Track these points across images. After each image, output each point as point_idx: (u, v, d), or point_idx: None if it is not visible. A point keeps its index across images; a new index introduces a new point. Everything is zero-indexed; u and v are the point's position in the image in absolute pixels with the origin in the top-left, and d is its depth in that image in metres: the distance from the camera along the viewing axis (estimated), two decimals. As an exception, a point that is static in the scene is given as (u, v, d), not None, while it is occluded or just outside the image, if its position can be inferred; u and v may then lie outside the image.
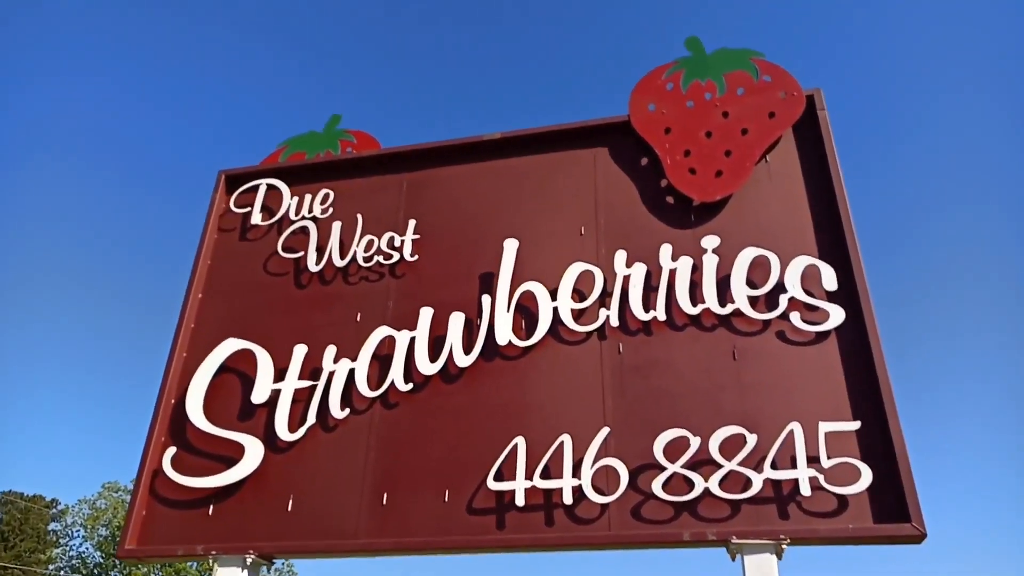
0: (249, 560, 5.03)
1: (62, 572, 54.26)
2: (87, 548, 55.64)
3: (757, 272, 5.32)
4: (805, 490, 4.53)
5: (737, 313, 5.23)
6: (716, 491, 4.64)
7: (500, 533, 4.85)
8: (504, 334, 5.50)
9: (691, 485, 4.70)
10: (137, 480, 5.56)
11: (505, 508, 4.90)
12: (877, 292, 5.12)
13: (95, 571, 53.91)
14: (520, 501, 4.85)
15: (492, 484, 4.95)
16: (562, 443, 4.98)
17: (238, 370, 5.88)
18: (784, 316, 5.15)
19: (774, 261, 5.32)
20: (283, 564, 50.79)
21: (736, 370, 5.11)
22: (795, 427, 4.71)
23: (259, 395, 5.63)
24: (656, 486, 4.72)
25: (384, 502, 5.12)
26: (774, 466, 4.66)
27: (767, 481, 4.63)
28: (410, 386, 5.49)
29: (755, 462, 4.70)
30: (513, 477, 4.94)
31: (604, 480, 4.84)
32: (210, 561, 5.03)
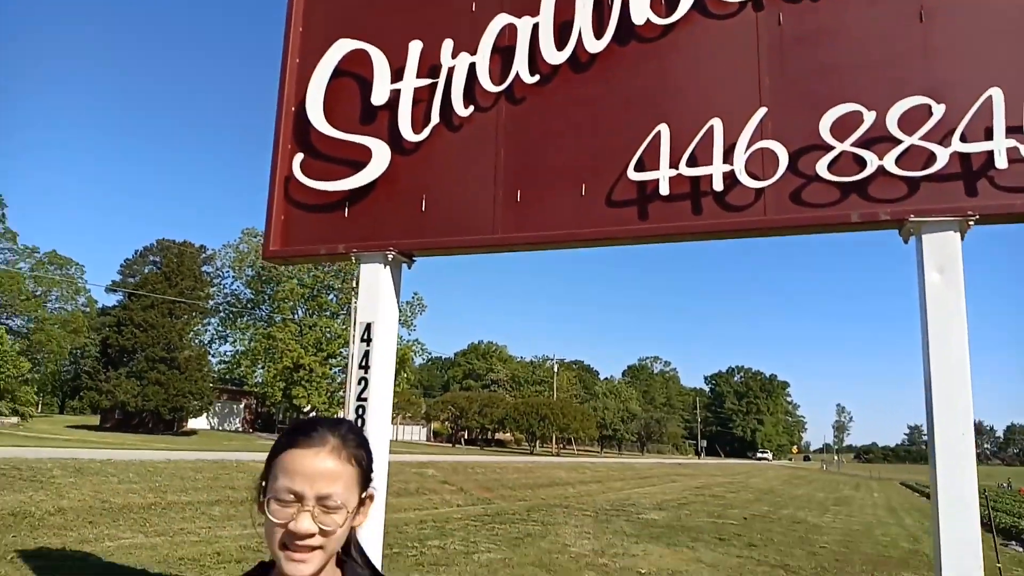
0: (390, 256, 5.05)
1: (221, 306, 60.86)
2: (238, 286, 61.83)
3: (959, -93, 4.30)
4: (1001, 163, 3.94)
5: (927, -37, 4.32)
6: (892, 169, 4.12)
7: (643, 223, 4.59)
8: (641, 12, 4.82)
9: (862, 164, 4.19)
10: (271, 187, 5.57)
11: (648, 198, 4.60)
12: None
13: (248, 305, 60.27)
14: (664, 190, 4.51)
15: (633, 175, 4.61)
16: (711, 128, 4.50)
17: (354, 72, 5.54)
18: (988, -38, 4.21)
19: None
20: (413, 297, 54.96)
21: (922, 33, 4.32)
22: (994, 93, 4.00)
23: (378, 96, 5.33)
24: (821, 167, 4.24)
25: (519, 198, 4.92)
26: (963, 139, 4.05)
27: (954, 155, 4.05)
28: (536, 78, 5.02)
29: (941, 135, 4.09)
30: (656, 166, 4.56)
31: (760, 164, 4.39)
32: (352, 259, 5.10)
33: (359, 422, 4.77)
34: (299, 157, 5.42)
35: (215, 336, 62.22)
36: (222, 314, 61.44)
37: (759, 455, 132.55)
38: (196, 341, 58.60)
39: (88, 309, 73.22)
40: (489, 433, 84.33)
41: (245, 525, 12.05)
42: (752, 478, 50.10)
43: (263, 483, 1.35)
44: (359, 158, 5.26)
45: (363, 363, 4.89)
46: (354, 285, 51.43)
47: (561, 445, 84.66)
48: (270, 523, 1.29)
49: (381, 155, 5.21)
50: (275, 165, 5.53)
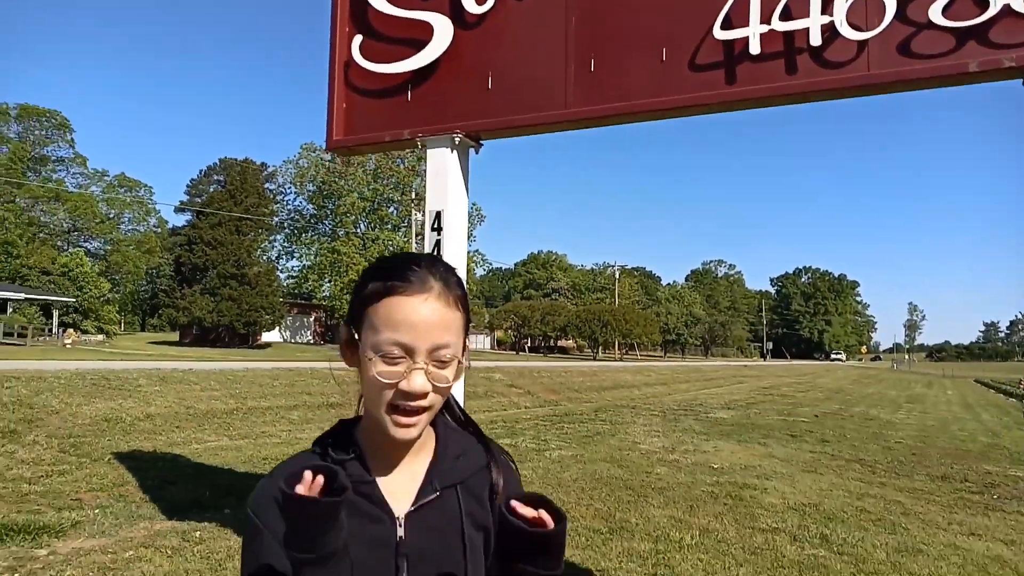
0: (457, 140, 4.81)
1: (285, 222, 61.98)
2: (300, 202, 62.69)
3: None
4: None
5: None
6: (1021, 7, 3.63)
7: (731, 87, 4.22)
8: None
9: (984, 5, 3.70)
10: (330, 74, 5.33)
11: (736, 59, 4.20)
12: None
13: (311, 220, 61.24)
14: (755, 49, 4.11)
15: (719, 33, 4.21)
16: (807, -25, 4.03)
17: (410, -56, 5.18)
18: None
19: None
20: (472, 207, 54.79)
21: None
22: None
23: (438, -33, 4.98)
24: (934, 12, 3.78)
25: (592, 69, 4.57)
26: (1110, -33, 3.52)
27: (1099, -14, 3.54)
28: (608, -65, 4.58)
29: (1081, -36, 3.57)
30: (745, 23, 4.15)
31: (863, 13, 3.94)
32: (419, 145, 4.89)
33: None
34: (358, 40, 5.15)
35: (281, 252, 63.75)
36: (287, 230, 62.67)
37: (833, 356, 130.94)
38: (264, 258, 60.11)
39: (159, 230, 75.63)
40: (551, 341, 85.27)
41: (323, 427, 12.41)
42: (820, 378, 49.60)
43: (355, 334, 1.15)
44: (420, 36, 4.96)
45: (434, 251, 4.71)
46: (412, 197, 51.50)
47: (624, 351, 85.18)
48: (376, 383, 1.11)
49: (443, 31, 4.90)
50: (333, 50, 5.27)
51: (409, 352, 1.10)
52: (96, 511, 6.64)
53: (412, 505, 1.18)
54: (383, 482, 1.18)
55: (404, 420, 1.11)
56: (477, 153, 5.06)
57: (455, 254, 4.79)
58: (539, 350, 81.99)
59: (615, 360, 64.46)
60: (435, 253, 4.77)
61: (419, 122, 4.95)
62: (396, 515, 1.17)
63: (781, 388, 34.68)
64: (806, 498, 8.51)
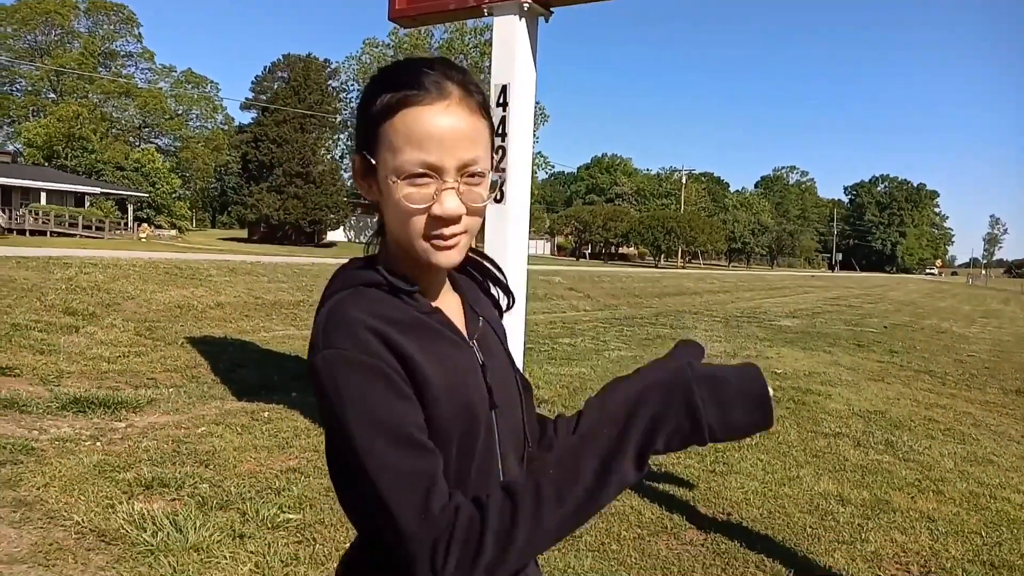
0: (526, 6, 4.52)
1: (348, 120, 61.99)
2: (363, 100, 62.38)
3: None
4: None
5: None
6: None
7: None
8: None
9: None
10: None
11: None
12: None
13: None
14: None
15: None
16: None
17: None
18: None
19: None
20: (536, 106, 53.70)
21: None
22: None
23: None
24: None
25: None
26: None
27: None
28: None
29: None
30: None
31: None
32: (485, 12, 4.62)
33: (498, 195, 4.49)
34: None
35: (345, 151, 64.05)
36: (351, 129, 62.72)
37: (927, 271, 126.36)
38: (328, 156, 60.58)
39: (227, 127, 76.59)
40: (613, 247, 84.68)
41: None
42: (891, 291, 48.20)
43: (368, 158, 1.00)
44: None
45: (499, 130, 4.52)
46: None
47: (687, 259, 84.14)
48: (404, 210, 0.97)
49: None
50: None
51: (437, 171, 0.96)
52: (170, 390, 6.92)
53: (468, 334, 1.10)
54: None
55: (443, 243, 0.99)
56: (547, 22, 4.72)
57: (521, 132, 4.57)
58: (600, 256, 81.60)
59: (678, 268, 63.77)
60: (499, 129, 4.52)
61: (485, -15, 4.65)
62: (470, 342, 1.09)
63: (849, 299, 33.86)
64: (872, 405, 8.32)
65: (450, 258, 1.00)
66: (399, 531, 0.88)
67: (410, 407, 0.94)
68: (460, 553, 0.86)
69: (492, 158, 1.04)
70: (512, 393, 1.12)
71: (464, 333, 1.09)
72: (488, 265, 1.23)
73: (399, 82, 0.97)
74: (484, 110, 1.01)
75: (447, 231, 0.98)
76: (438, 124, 0.95)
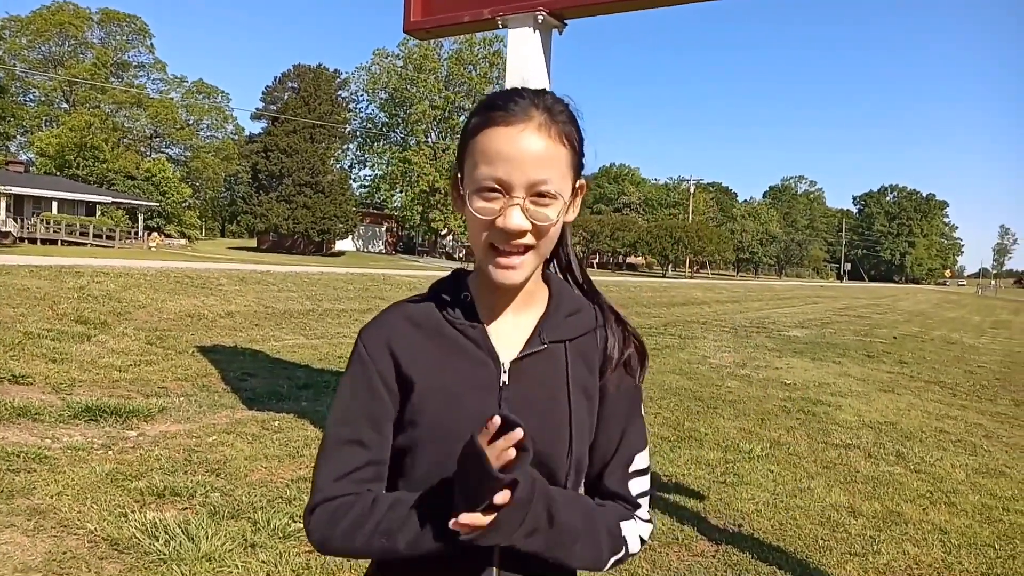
0: (540, 18, 4.55)
1: (357, 131, 62.26)
2: (372, 110, 62.69)
3: None
4: None
5: None
6: None
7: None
8: None
9: None
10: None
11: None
12: None
13: (383, 129, 61.31)
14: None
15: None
16: None
17: None
18: None
19: None
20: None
21: None
22: None
23: None
24: None
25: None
26: None
27: None
28: None
29: None
30: None
31: None
32: (499, 24, 4.65)
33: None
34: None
35: (354, 161, 64.31)
36: (359, 139, 63.00)
37: (938, 282, 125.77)
38: (337, 166, 60.79)
39: (237, 137, 77.02)
40: (620, 257, 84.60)
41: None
42: (900, 301, 47.98)
43: (459, 175, 1.09)
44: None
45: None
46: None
47: (695, 268, 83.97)
48: (474, 221, 1.04)
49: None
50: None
51: (505, 187, 1.02)
52: (181, 398, 6.95)
53: (519, 354, 1.12)
54: (491, 329, 1.13)
55: (504, 261, 1.04)
56: (561, 34, 4.75)
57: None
58: (607, 266, 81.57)
59: (686, 278, 63.65)
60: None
61: (499, 0, 4.68)
62: (502, 361, 1.11)
63: (858, 309, 33.72)
64: (882, 416, 8.29)
65: (509, 278, 1.06)
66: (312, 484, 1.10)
67: (376, 404, 1.10)
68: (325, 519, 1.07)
69: (574, 188, 1.10)
70: (543, 423, 1.08)
71: (497, 351, 1.11)
72: (626, 330, 1.21)
73: (492, 105, 1.06)
74: (567, 139, 1.06)
75: (509, 246, 1.03)
76: (512, 143, 1.01)
